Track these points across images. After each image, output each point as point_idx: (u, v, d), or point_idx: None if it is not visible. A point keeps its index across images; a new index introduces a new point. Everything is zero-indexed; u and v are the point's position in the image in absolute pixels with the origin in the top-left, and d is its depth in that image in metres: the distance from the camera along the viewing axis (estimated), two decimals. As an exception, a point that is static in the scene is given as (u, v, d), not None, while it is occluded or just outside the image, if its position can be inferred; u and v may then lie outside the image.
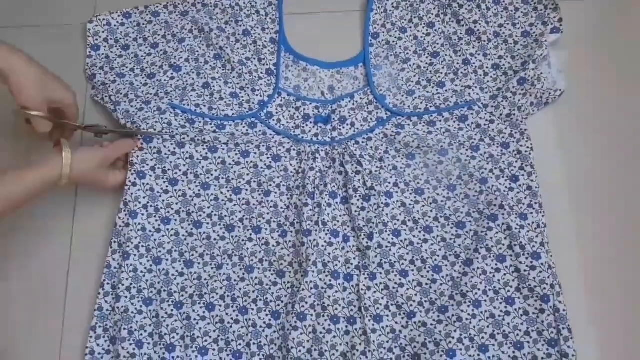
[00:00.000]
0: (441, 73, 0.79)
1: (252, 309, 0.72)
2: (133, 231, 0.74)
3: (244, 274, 0.73)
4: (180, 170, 0.77)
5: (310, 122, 0.79)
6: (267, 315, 0.71)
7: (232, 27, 0.83)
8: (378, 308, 0.70)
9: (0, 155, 0.81)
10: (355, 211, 0.74)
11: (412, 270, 0.72)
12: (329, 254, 0.72)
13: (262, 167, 0.77)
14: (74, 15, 0.87)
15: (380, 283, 0.71)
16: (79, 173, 0.69)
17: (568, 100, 0.77)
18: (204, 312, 0.72)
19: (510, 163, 0.74)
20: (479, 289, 0.69)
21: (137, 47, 0.83)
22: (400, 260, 0.72)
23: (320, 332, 0.69)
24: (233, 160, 0.78)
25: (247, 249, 0.74)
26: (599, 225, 0.73)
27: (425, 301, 0.70)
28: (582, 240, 0.73)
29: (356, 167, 0.76)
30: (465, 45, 0.80)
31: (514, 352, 0.67)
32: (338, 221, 0.74)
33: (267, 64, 0.81)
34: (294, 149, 0.78)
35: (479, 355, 0.67)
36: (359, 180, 0.75)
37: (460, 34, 0.80)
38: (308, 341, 0.69)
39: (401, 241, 0.73)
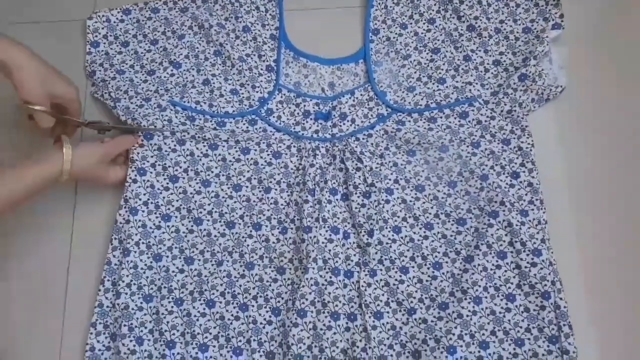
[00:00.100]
0: (442, 69, 0.79)
1: (253, 306, 0.72)
2: (133, 228, 0.74)
3: (244, 270, 0.73)
4: (180, 167, 0.77)
5: (311, 119, 0.79)
6: (267, 311, 0.71)
7: (232, 23, 0.83)
8: (378, 305, 0.70)
9: (1, 151, 0.81)
10: (356, 208, 0.74)
11: (413, 267, 0.71)
12: (329, 250, 0.72)
13: (262, 164, 0.77)
14: (74, 11, 0.86)
15: (381, 280, 0.71)
16: (79, 169, 0.69)
17: (569, 97, 0.77)
18: (204, 309, 0.72)
19: (511, 159, 0.74)
20: (479, 286, 0.69)
21: (137, 44, 0.83)
22: (400, 256, 0.72)
23: (321, 329, 0.69)
24: (233, 157, 0.78)
25: (248, 245, 0.74)
26: (599, 224, 0.73)
27: (426, 298, 0.70)
28: (582, 240, 0.72)
29: (356, 164, 0.75)
30: (466, 42, 0.80)
31: (514, 349, 0.67)
32: (338, 218, 0.74)
33: (267, 61, 0.81)
34: (294, 146, 0.78)
35: (479, 351, 0.67)
36: (360, 176, 0.75)
37: (461, 30, 0.80)
38: (308, 338, 0.69)
39: (401, 238, 0.73)
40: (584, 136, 0.77)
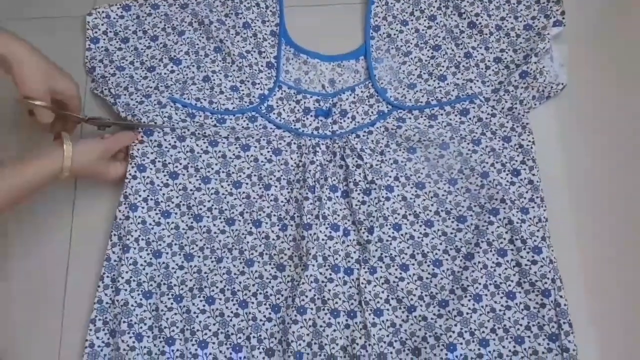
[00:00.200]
0: (442, 66, 0.79)
1: (252, 303, 0.71)
2: (133, 224, 0.74)
3: (244, 267, 0.73)
4: (180, 164, 0.77)
5: (311, 116, 0.78)
6: (267, 308, 0.71)
7: (232, 19, 0.83)
8: (378, 302, 0.70)
9: (1, 147, 0.81)
10: (356, 205, 0.73)
11: (413, 264, 0.71)
12: (329, 247, 0.72)
13: (262, 161, 0.77)
14: (73, 8, 0.86)
15: (381, 277, 0.71)
16: (79, 165, 0.69)
17: (569, 96, 0.77)
18: (203, 306, 0.72)
19: (512, 157, 0.74)
20: (479, 283, 0.69)
21: (137, 40, 0.83)
22: (400, 254, 0.72)
23: (320, 326, 0.69)
24: (233, 154, 0.77)
25: (247, 242, 0.74)
26: (599, 224, 0.73)
27: (426, 295, 0.70)
28: (582, 239, 0.72)
29: (357, 161, 0.75)
30: (466, 39, 0.79)
31: (514, 347, 0.67)
32: (338, 215, 0.74)
33: (267, 57, 0.81)
34: (294, 143, 0.78)
35: (479, 349, 0.67)
36: (360, 173, 0.75)
37: (462, 27, 0.80)
38: (308, 335, 0.69)
39: (402, 235, 0.73)
40: (584, 136, 0.77)
